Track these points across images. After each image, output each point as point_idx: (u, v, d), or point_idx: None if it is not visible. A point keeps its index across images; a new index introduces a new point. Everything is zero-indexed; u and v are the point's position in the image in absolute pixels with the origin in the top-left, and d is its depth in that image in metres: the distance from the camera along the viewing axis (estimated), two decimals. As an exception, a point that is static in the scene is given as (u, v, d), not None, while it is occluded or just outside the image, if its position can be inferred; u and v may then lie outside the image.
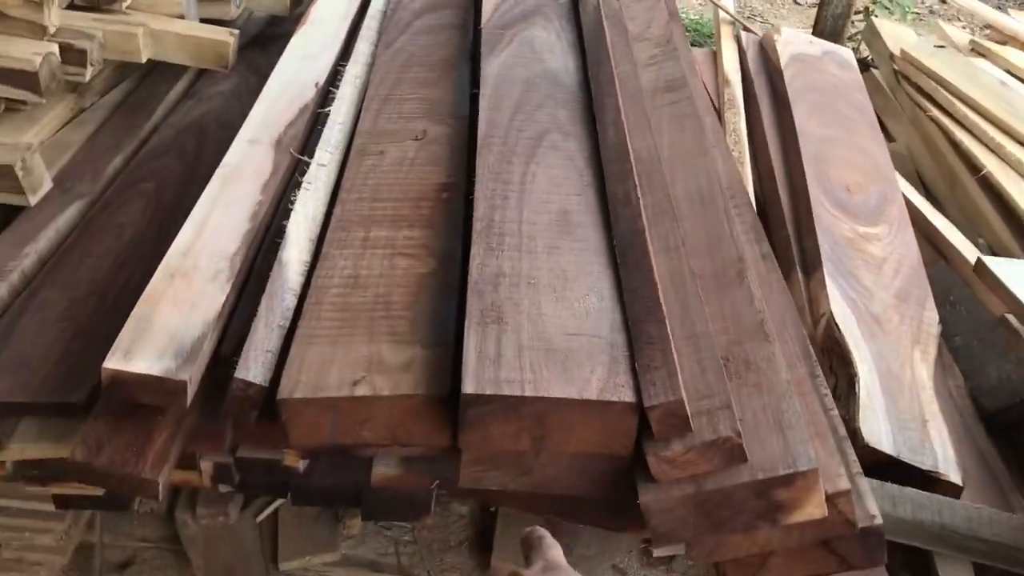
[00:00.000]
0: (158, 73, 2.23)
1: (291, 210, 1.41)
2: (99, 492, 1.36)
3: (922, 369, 1.82)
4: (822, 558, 1.21)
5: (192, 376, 1.12)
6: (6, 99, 1.84)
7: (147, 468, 1.12)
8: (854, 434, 1.58)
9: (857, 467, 1.25)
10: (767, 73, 2.54)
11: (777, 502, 1.07)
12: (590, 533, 1.86)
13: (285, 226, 1.38)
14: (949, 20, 3.38)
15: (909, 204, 2.24)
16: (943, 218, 2.29)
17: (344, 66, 1.87)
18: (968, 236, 2.21)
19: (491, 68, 1.77)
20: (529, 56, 1.82)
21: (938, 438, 1.68)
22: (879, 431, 1.63)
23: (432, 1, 2.18)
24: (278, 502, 1.72)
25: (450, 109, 1.72)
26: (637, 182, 1.39)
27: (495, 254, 1.26)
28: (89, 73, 1.84)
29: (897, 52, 2.85)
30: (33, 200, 1.70)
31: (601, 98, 1.66)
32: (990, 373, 2.00)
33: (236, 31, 2.05)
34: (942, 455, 1.65)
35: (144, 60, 1.93)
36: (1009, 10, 3.71)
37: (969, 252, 2.14)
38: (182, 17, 2.03)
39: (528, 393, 1.04)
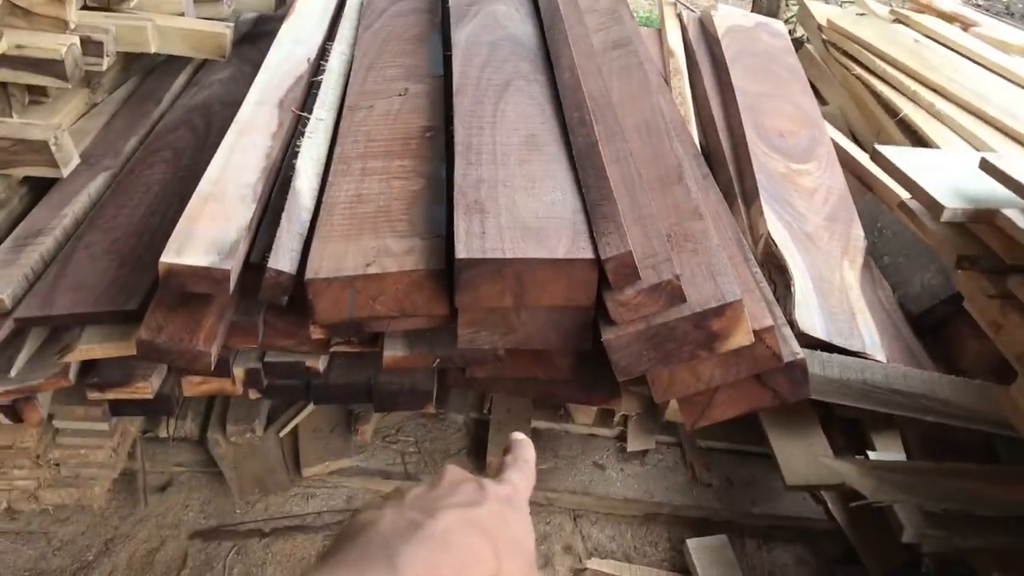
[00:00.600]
0: (160, 70, 2.49)
1: (298, 152, 1.67)
2: (149, 395, 1.60)
3: (850, 274, 2.09)
4: (758, 392, 1.47)
5: (233, 268, 1.36)
6: (29, 91, 2.10)
7: (200, 343, 1.37)
8: (791, 324, 1.85)
9: (783, 320, 1.52)
10: (707, 44, 2.83)
11: (712, 332, 1.33)
12: (571, 438, 2.11)
13: (295, 164, 1.63)
14: None
15: (839, 148, 2.52)
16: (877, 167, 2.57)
17: (331, 46, 2.13)
18: (890, 171, 2.49)
19: (460, 36, 2.03)
20: (493, 25, 2.09)
21: (865, 327, 1.95)
22: (813, 321, 1.89)
23: (403, -9, 2.45)
24: (298, 418, 1.95)
25: (427, 71, 1.98)
26: (590, 108, 1.66)
27: (475, 167, 1.52)
28: (106, 63, 2.07)
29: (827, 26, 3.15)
30: (65, 172, 1.93)
31: (557, 52, 1.92)
32: (915, 282, 2.27)
33: (231, 24, 2.30)
34: (869, 340, 1.91)
35: (153, 50, 2.17)
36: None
37: (897, 190, 2.42)
38: (182, 15, 2.28)
39: (508, 256, 1.30)
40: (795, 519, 2.00)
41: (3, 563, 1.82)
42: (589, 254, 1.31)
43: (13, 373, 1.56)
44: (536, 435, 2.07)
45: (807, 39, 3.55)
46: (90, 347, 1.50)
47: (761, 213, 2.14)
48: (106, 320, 1.53)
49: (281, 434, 1.93)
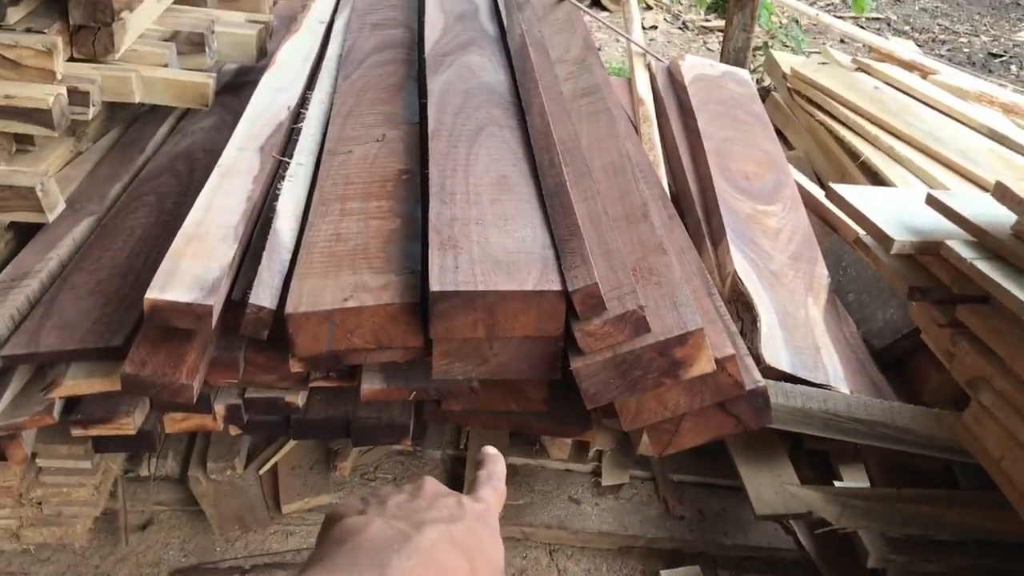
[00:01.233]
0: (144, 119, 2.56)
1: (279, 195, 1.73)
2: (132, 431, 1.64)
3: (815, 310, 2.17)
4: (722, 420, 1.53)
5: (215, 304, 1.42)
6: (17, 140, 2.16)
7: (183, 376, 1.42)
8: (758, 359, 1.92)
9: (745, 351, 1.58)
10: (675, 92, 2.94)
11: (676, 360, 1.39)
12: (547, 474, 2.15)
13: (276, 206, 1.69)
14: (838, 49, 3.83)
15: (803, 190, 2.62)
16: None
17: (310, 95, 2.21)
18: (852, 212, 2.58)
19: (436, 84, 2.11)
20: (467, 74, 2.18)
21: (829, 360, 2.02)
22: (778, 355, 1.96)
23: (381, 43, 2.53)
24: (278, 455, 1.99)
25: (404, 118, 2.05)
26: (560, 151, 1.73)
27: (448, 206, 1.59)
28: (91, 112, 2.14)
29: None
30: (51, 217, 1.98)
31: (528, 99, 2.01)
32: (877, 318, 2.35)
33: (214, 74, 2.38)
34: (832, 372, 1.98)
35: (137, 100, 2.24)
36: (888, 35, 4.20)
37: (856, 228, 2.51)
38: (166, 65, 2.36)
39: (480, 288, 1.36)
40: (766, 549, 2.04)
41: (-17, 604, 1.84)
42: (557, 286, 1.38)
43: (-2, 411, 1.60)
44: (512, 470, 2.11)
45: (773, 87, 3.68)
46: (75, 383, 1.55)
47: (728, 252, 2.22)
48: (91, 357, 1.57)
49: (261, 471, 1.96)
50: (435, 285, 1.37)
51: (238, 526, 2.00)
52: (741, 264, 2.18)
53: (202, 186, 1.77)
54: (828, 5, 5.78)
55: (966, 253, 1.45)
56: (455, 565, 0.61)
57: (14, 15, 2.01)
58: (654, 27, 5.38)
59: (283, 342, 1.48)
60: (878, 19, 5.67)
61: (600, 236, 1.55)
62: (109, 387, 1.55)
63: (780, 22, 5.00)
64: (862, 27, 5.23)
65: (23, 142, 2.18)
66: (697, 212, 2.42)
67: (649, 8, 5.60)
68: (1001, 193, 1.44)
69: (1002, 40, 5.45)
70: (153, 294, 1.40)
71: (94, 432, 1.63)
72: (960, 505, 1.74)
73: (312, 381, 1.64)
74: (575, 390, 1.44)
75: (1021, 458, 1.44)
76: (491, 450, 0.79)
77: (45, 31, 2.01)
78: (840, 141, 2.89)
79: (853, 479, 2.02)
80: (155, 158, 2.33)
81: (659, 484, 2.16)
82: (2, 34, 1.95)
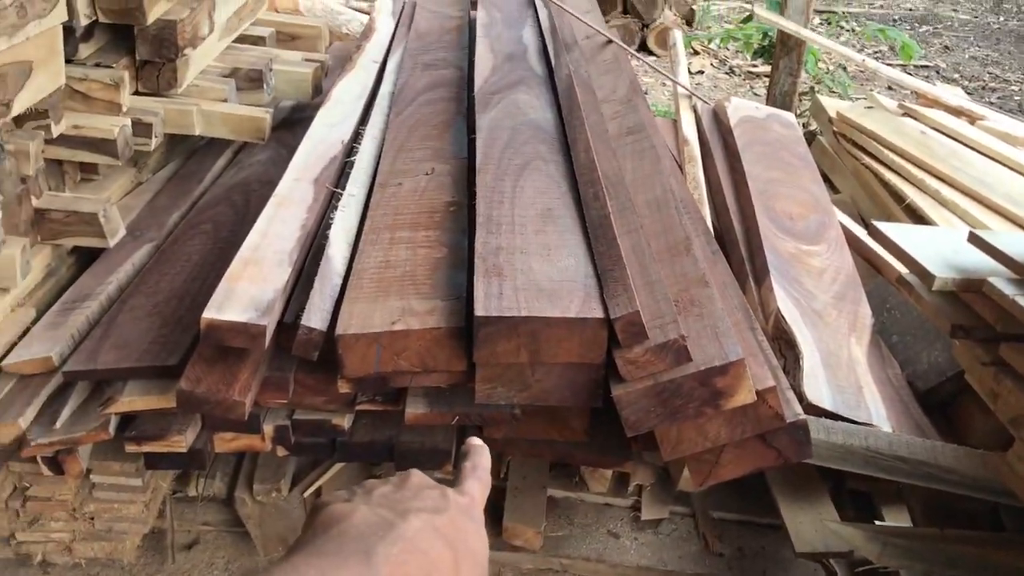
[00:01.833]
0: (202, 151, 2.66)
1: (331, 223, 1.79)
2: (183, 449, 1.69)
3: (857, 350, 2.17)
4: (762, 452, 1.54)
5: (269, 324, 1.47)
6: (82, 169, 2.25)
7: (236, 393, 1.47)
8: (800, 397, 1.92)
9: (786, 384, 1.59)
10: (720, 133, 2.97)
11: (717, 389, 1.41)
12: (586, 507, 2.16)
13: (328, 234, 1.75)
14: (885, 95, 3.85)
15: (848, 232, 2.63)
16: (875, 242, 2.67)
17: (363, 130, 2.28)
18: (897, 254, 2.59)
19: (484, 121, 2.17)
20: (515, 112, 2.23)
21: (872, 400, 2.02)
22: (821, 393, 1.96)
23: (432, 82, 2.60)
24: (323, 478, 2.02)
25: (452, 153, 2.11)
26: (604, 185, 1.77)
27: (494, 236, 1.63)
28: (154, 143, 2.23)
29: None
30: (112, 243, 2.06)
31: (574, 136, 2.05)
32: (922, 360, 2.34)
33: (271, 110, 2.47)
34: (875, 412, 1.98)
35: (198, 133, 2.33)
36: (936, 82, 4.21)
37: (898, 267, 2.51)
38: (226, 100, 2.45)
39: (524, 314, 1.40)
40: (806, 590, 2.03)
41: (34, 617, 1.89)
42: (599, 313, 1.41)
43: (58, 425, 1.67)
44: (552, 503, 2.13)
45: (819, 131, 3.70)
46: (132, 400, 1.61)
47: (771, 290, 2.23)
48: (147, 375, 1.63)
49: (306, 494, 2.00)
50: (480, 310, 1.41)
51: (282, 548, 2.03)
52: (784, 303, 2.19)
53: (257, 216, 1.83)
54: (876, 52, 5.79)
55: (1009, 290, 1.46)
56: (438, 554, 0.62)
57: (85, 50, 2.11)
58: (700, 72, 5.43)
59: (332, 365, 1.52)
60: (927, 67, 5.67)
61: (643, 267, 1.58)
62: (164, 404, 1.60)
63: (827, 68, 5.03)
64: (910, 74, 5.24)
65: (88, 171, 2.27)
66: (741, 251, 2.43)
67: (696, 53, 5.66)
68: (1045, 232, 1.45)
69: (1054, 89, 5.42)
70: (210, 314, 1.45)
71: (147, 448, 1.69)
72: (1007, 548, 1.72)
73: (358, 404, 1.68)
74: (615, 421, 1.47)
75: (1066, 498, 1.43)
76: (476, 441, 0.80)
77: (113, 65, 2.11)
78: (885, 185, 2.89)
79: (895, 521, 2.00)
80: (212, 189, 2.41)
81: (699, 520, 2.15)
82: (74, 68, 2.04)
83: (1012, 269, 1.51)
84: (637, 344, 1.40)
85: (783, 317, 2.14)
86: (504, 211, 1.73)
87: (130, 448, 1.68)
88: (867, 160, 3.02)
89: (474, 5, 3.29)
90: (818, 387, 1.97)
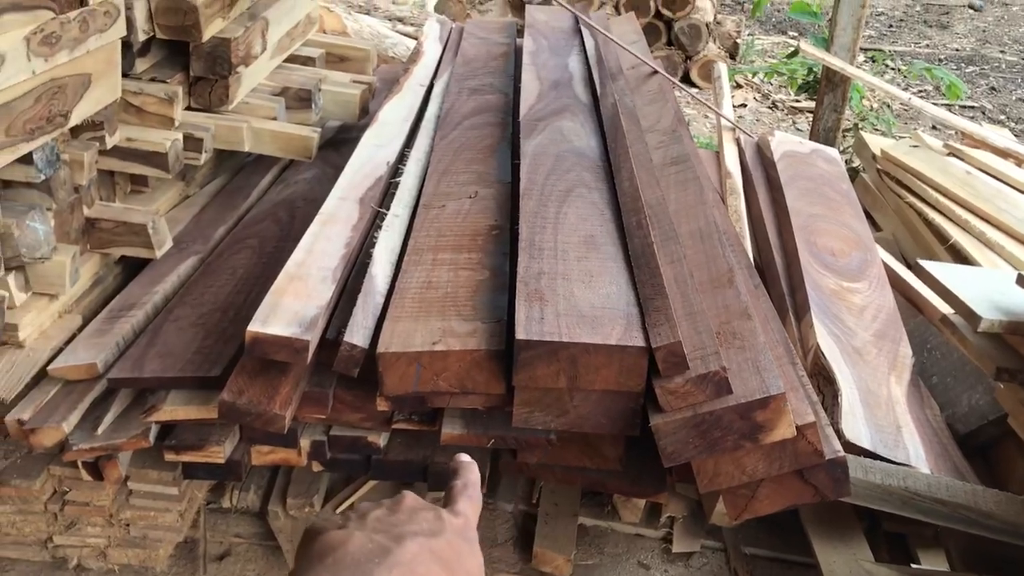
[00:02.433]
0: (249, 168, 2.70)
1: (375, 242, 1.81)
2: (221, 460, 1.71)
3: (897, 390, 2.14)
4: (800, 488, 1.52)
5: (312, 339, 1.49)
6: (132, 181, 2.30)
7: (277, 407, 1.48)
8: (838, 433, 1.90)
9: (826, 421, 1.58)
10: (763, 167, 2.97)
11: (756, 423, 1.40)
12: (617, 536, 2.14)
13: (372, 253, 1.77)
14: (930, 134, 3.83)
15: (890, 270, 2.60)
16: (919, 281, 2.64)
17: (408, 152, 2.31)
18: (940, 294, 2.56)
19: (529, 147, 2.19)
20: (559, 139, 2.25)
21: (910, 440, 1.99)
22: (859, 431, 1.94)
23: (477, 107, 2.63)
24: (354, 496, 2.03)
25: (496, 177, 2.13)
26: (647, 214, 1.78)
27: (536, 261, 1.64)
28: (203, 158, 2.27)
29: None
30: (159, 254, 2.10)
31: (618, 164, 2.06)
32: (962, 402, 2.31)
33: (318, 129, 2.50)
34: (914, 452, 1.95)
35: (246, 149, 2.37)
36: (982, 123, 4.17)
37: (941, 307, 2.48)
38: (275, 118, 2.49)
39: (564, 339, 1.40)
40: (838, 631, 1.99)
41: (66, 621, 1.91)
42: (640, 342, 1.41)
43: (99, 431, 1.69)
44: (583, 531, 2.12)
45: (862, 168, 3.67)
46: (174, 409, 1.63)
47: (811, 326, 2.21)
48: (190, 385, 1.66)
49: (338, 511, 2.01)
50: (521, 334, 1.41)
51: (311, 564, 2.04)
52: (824, 339, 2.17)
53: (302, 232, 1.86)
54: (921, 91, 5.76)
55: (1057, 335, 1.44)
56: None
57: (141, 65, 2.16)
58: (743, 105, 5.43)
59: (371, 382, 1.54)
60: (972, 107, 5.63)
61: (685, 298, 1.58)
62: (205, 415, 1.62)
63: (871, 105, 5.00)
64: (956, 114, 5.20)
65: (138, 183, 2.32)
66: (781, 285, 2.42)
67: (739, 87, 5.65)
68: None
69: (1103, 133, 5.35)
70: (255, 327, 1.47)
71: (186, 458, 1.71)
72: (1045, 597, 1.68)
73: (395, 423, 1.69)
74: (650, 451, 1.46)
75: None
76: (465, 457, 0.79)
77: (168, 81, 2.15)
78: (929, 224, 2.87)
79: (932, 565, 1.97)
80: (258, 204, 2.44)
81: (730, 555, 2.13)
82: (129, 82, 2.09)
83: (1060, 313, 1.49)
84: (677, 374, 1.40)
85: (823, 353, 2.12)
86: (547, 236, 1.74)
87: (169, 457, 1.71)
88: (911, 199, 3.00)
89: (521, 32, 3.33)
90: (856, 425, 1.95)
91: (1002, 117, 5.49)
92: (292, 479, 2.03)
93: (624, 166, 2.01)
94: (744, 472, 1.49)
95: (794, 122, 5.18)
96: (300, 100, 2.57)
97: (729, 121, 3.16)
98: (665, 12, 5.60)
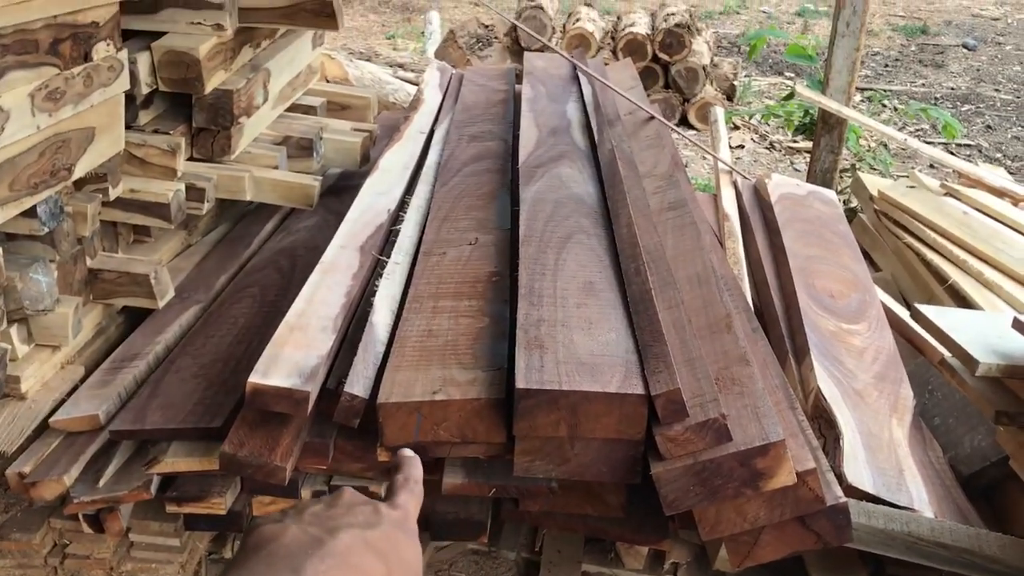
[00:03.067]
0: (251, 216, 2.72)
1: (376, 291, 1.83)
2: (222, 511, 1.70)
3: (898, 432, 2.14)
4: (801, 535, 1.52)
5: (312, 391, 1.49)
6: (135, 231, 2.32)
7: (277, 459, 1.48)
8: (840, 477, 1.90)
9: (827, 466, 1.58)
10: (760, 209, 2.99)
11: (757, 470, 1.40)
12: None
13: (373, 301, 1.78)
14: (927, 174, 3.86)
15: (889, 312, 2.61)
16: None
17: (409, 199, 2.33)
18: (940, 335, 2.56)
19: (528, 193, 2.21)
20: (558, 185, 2.27)
21: (913, 483, 1.99)
22: (861, 475, 1.94)
23: (477, 154, 2.65)
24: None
25: (496, 224, 2.14)
26: (645, 260, 1.79)
27: (536, 308, 1.65)
28: (205, 208, 2.29)
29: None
30: (161, 304, 2.11)
31: (616, 210, 2.08)
32: (964, 444, 2.30)
33: (320, 177, 2.53)
34: (917, 495, 1.95)
35: (248, 198, 2.39)
36: (978, 162, 4.20)
37: (941, 349, 2.49)
38: (276, 167, 2.52)
39: (564, 388, 1.41)
40: (845, 678, 1.97)
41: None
42: (640, 390, 1.42)
43: (101, 484, 1.69)
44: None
45: (860, 209, 3.70)
46: (175, 461, 1.63)
47: (811, 369, 2.21)
48: (191, 436, 1.66)
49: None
50: (521, 383, 1.42)
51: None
52: (824, 381, 2.17)
53: (303, 281, 1.87)
54: (917, 131, 5.81)
55: (1055, 378, 1.44)
56: (370, 568, 0.62)
57: (144, 117, 2.19)
58: (741, 146, 5.47)
59: (372, 432, 1.54)
60: (969, 145, 5.67)
61: (683, 344, 1.59)
62: (206, 466, 1.63)
63: (868, 145, 5.04)
64: (952, 153, 5.24)
65: (140, 233, 2.34)
66: (781, 328, 2.43)
67: (736, 128, 5.71)
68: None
69: (1099, 170, 5.39)
70: (255, 378, 1.48)
71: (187, 510, 1.71)
72: (1052, 643, 1.67)
73: (396, 472, 1.68)
74: (653, 498, 1.46)
75: (1116, 594, 1.40)
76: (408, 452, 0.80)
77: (170, 132, 2.18)
78: (927, 264, 2.88)
79: (938, 610, 1.95)
80: (260, 253, 2.46)
81: (735, 601, 2.11)
82: (133, 134, 2.11)
83: (1058, 356, 1.50)
84: (677, 422, 1.41)
85: (823, 396, 2.12)
86: (546, 283, 1.76)
87: (170, 509, 1.70)
88: (909, 239, 3.02)
89: (519, 79, 3.37)
90: (858, 468, 1.94)
91: (998, 155, 5.53)
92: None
93: (622, 212, 2.03)
94: (746, 519, 1.49)
95: (792, 162, 5.22)
96: (301, 149, 2.60)
97: (726, 164, 3.19)
98: (662, 56, 5.67)
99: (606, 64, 3.90)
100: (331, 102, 3.02)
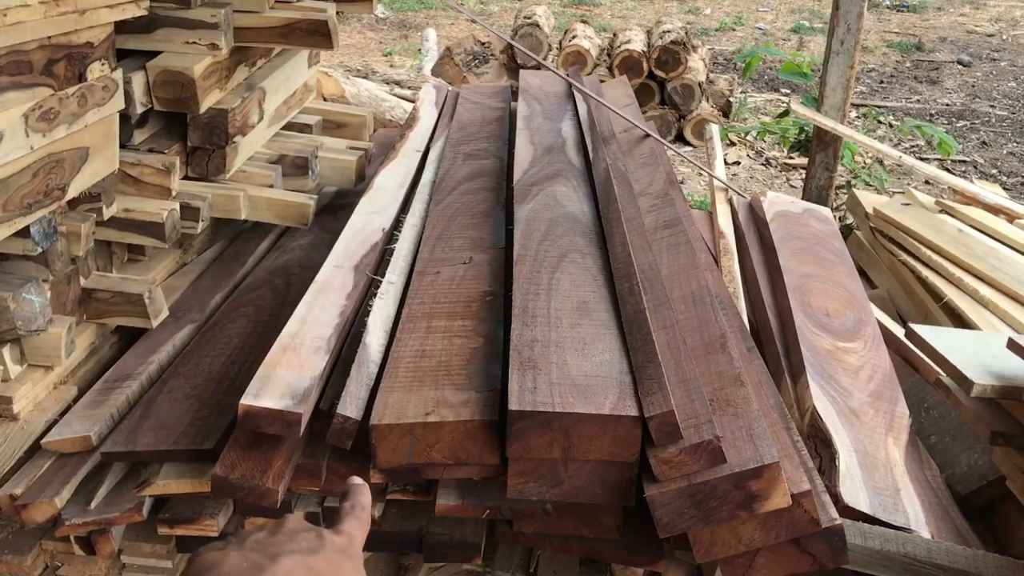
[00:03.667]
0: (246, 235, 2.72)
1: (370, 310, 1.82)
2: (214, 533, 1.69)
3: (895, 451, 2.13)
4: (797, 557, 1.51)
5: (304, 412, 1.49)
6: (129, 250, 2.31)
7: (269, 481, 1.48)
8: (835, 498, 1.89)
9: (822, 488, 1.57)
10: (756, 227, 2.99)
11: (751, 492, 1.39)
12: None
13: (366, 321, 1.78)
14: (922, 190, 3.86)
15: (885, 330, 2.61)
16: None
17: (404, 218, 2.33)
18: (935, 353, 2.56)
19: (522, 212, 2.21)
20: (552, 204, 2.27)
21: (909, 503, 1.98)
22: (857, 495, 1.93)
23: (472, 172, 2.66)
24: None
25: (490, 243, 2.14)
26: (640, 279, 1.79)
27: (530, 328, 1.65)
28: (200, 227, 2.29)
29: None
30: (155, 323, 2.10)
31: (611, 229, 2.08)
32: (961, 463, 2.29)
33: (315, 196, 2.53)
34: (913, 515, 1.94)
35: (243, 217, 2.39)
36: (973, 178, 4.21)
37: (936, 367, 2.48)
38: (271, 186, 2.52)
39: (558, 409, 1.40)
40: None
41: None
42: (634, 411, 1.41)
43: (92, 506, 1.68)
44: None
45: (856, 226, 3.70)
46: (167, 483, 1.62)
47: (807, 387, 2.21)
48: (183, 458, 1.65)
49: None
50: (514, 404, 1.41)
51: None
52: (820, 400, 2.17)
53: (298, 300, 1.87)
54: (912, 147, 5.83)
55: (1050, 399, 1.44)
56: None
57: (139, 136, 2.19)
58: (737, 162, 5.48)
59: (365, 453, 1.53)
60: (964, 162, 5.69)
61: (678, 365, 1.59)
62: (198, 488, 1.62)
63: (863, 162, 5.05)
64: (948, 169, 5.25)
65: (135, 252, 2.33)
66: (776, 346, 2.42)
67: (732, 144, 5.72)
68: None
69: (1095, 186, 5.40)
70: (247, 400, 1.47)
71: (179, 531, 1.69)
72: (1050, 665, 1.66)
73: (389, 493, 1.68)
74: (648, 520, 1.45)
75: (1114, 616, 1.39)
76: (356, 480, 0.81)
77: (165, 151, 2.18)
78: (923, 282, 2.88)
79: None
80: (255, 272, 2.45)
81: (731, 622, 2.10)
82: (127, 153, 2.11)
83: (1053, 377, 1.50)
84: (671, 444, 1.40)
85: (819, 415, 2.12)
86: (540, 303, 1.75)
87: (162, 531, 1.69)
88: (904, 257, 3.02)
89: (515, 96, 3.38)
90: (854, 488, 1.93)
91: (993, 171, 5.54)
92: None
93: (617, 231, 2.03)
94: (740, 541, 1.48)
95: (788, 179, 5.23)
96: (297, 167, 2.60)
97: (722, 182, 3.20)
98: (658, 73, 5.69)
99: (602, 81, 3.91)
100: (327, 120, 3.03)
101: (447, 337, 1.72)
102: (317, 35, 2.30)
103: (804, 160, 5.07)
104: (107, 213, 2.02)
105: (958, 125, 6.47)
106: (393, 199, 2.45)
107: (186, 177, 2.35)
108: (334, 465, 1.63)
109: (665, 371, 1.50)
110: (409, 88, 4.97)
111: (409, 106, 4.36)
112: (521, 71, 3.81)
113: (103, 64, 1.90)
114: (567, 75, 3.31)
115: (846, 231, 3.64)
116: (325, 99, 4.06)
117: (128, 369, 1.99)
